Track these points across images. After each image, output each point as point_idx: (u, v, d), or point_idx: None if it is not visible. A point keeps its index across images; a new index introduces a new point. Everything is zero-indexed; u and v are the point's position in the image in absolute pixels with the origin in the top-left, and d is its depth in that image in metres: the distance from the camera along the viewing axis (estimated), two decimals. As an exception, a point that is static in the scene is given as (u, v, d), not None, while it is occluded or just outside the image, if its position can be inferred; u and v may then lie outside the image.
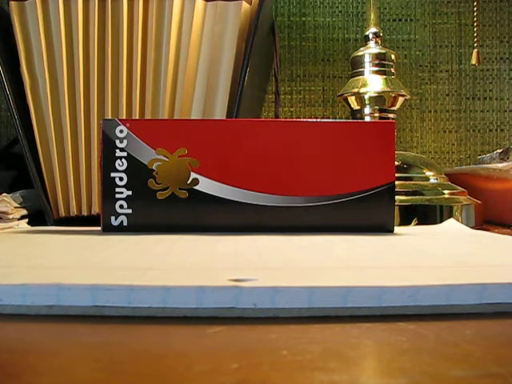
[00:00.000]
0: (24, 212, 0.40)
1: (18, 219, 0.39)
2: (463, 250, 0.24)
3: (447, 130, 0.67)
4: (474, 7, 0.56)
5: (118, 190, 0.30)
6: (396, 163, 0.42)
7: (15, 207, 0.39)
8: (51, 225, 0.39)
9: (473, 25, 0.64)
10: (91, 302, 0.15)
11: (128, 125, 0.30)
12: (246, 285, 0.15)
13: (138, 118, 0.40)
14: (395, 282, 0.15)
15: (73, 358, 0.12)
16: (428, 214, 0.41)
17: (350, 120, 0.48)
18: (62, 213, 0.40)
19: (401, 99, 0.48)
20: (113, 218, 0.30)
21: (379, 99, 0.47)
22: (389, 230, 0.31)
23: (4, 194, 0.39)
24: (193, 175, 0.30)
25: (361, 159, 0.31)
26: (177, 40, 0.40)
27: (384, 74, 0.48)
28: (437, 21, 0.66)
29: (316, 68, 0.66)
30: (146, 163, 0.30)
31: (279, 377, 0.11)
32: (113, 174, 0.30)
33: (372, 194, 0.30)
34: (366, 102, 0.47)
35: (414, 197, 0.42)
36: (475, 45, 0.53)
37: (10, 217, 0.38)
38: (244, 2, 0.41)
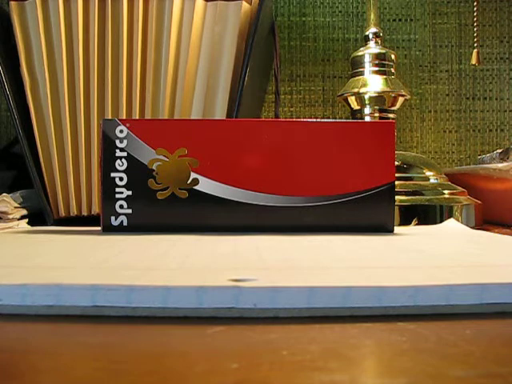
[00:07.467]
0: (24, 212, 0.40)
1: (18, 219, 0.39)
2: (463, 250, 0.24)
3: (447, 130, 0.67)
4: (474, 7, 0.56)
5: (118, 189, 0.30)
6: (396, 163, 0.42)
7: (15, 207, 0.39)
8: (51, 225, 0.39)
9: (473, 25, 0.64)
10: (91, 302, 0.15)
11: (128, 125, 0.30)
12: (246, 285, 0.15)
13: (137, 117, 0.40)
14: (395, 281, 0.15)
15: (73, 358, 0.12)
16: (428, 214, 0.41)
17: (350, 120, 0.48)
18: (62, 213, 0.40)
19: (401, 99, 0.48)
20: (113, 217, 0.30)
21: (379, 99, 0.47)
22: (389, 230, 0.30)
23: (4, 194, 0.39)
24: (193, 175, 0.30)
25: (361, 159, 0.31)
26: (177, 40, 0.40)
27: (384, 73, 0.48)
28: (437, 21, 0.66)
29: (316, 68, 0.66)
30: (145, 163, 0.30)
31: (279, 377, 0.11)
32: (113, 174, 0.30)
33: (372, 194, 0.30)
34: (366, 101, 0.47)
35: (414, 197, 0.42)
36: (475, 45, 0.53)
37: (10, 217, 0.38)
38: (244, 2, 0.41)
